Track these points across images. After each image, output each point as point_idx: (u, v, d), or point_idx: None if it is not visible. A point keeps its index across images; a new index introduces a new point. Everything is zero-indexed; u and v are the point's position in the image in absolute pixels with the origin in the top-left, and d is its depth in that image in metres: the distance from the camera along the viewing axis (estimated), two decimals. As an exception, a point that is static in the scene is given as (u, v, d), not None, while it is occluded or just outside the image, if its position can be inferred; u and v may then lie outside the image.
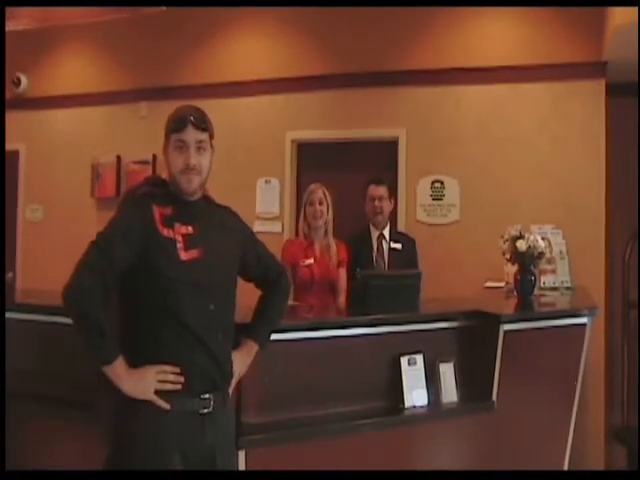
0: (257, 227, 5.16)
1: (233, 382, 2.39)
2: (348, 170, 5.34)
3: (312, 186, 4.22)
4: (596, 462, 4.67)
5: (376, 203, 4.43)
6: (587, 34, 4.89)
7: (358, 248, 4.40)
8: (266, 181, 5.57)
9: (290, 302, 3.84)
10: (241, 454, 2.65)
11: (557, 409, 3.65)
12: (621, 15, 4.05)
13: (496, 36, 5.13)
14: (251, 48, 5.69)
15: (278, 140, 5.56)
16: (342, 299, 4.16)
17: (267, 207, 5.56)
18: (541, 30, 5.03)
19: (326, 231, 4.16)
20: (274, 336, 2.60)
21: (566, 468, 3.66)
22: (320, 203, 4.11)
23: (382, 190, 4.45)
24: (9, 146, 5.55)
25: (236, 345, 2.44)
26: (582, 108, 4.95)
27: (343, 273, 4.20)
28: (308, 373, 2.96)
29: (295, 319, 3.29)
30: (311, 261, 4.09)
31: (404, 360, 3.27)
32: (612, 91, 4.93)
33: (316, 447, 2.91)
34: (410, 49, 5.27)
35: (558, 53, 4.97)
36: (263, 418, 2.79)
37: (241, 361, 2.42)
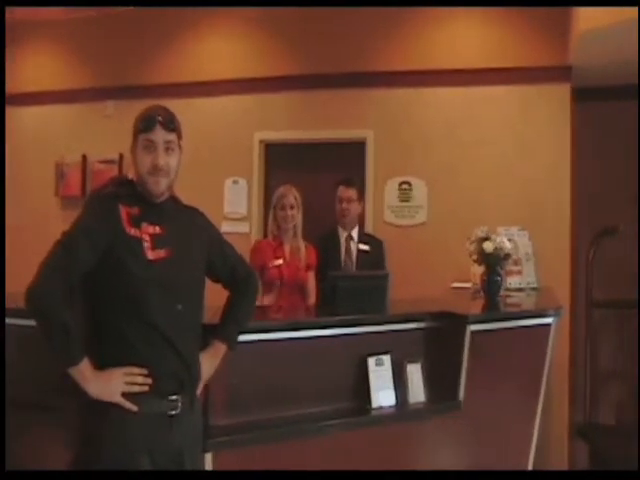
0: (225, 227, 5.13)
1: (201, 384, 2.37)
2: (316, 171, 5.35)
3: (282, 189, 4.18)
4: (560, 459, 4.74)
5: (344, 205, 4.43)
6: (554, 38, 4.97)
7: (326, 249, 4.39)
8: (234, 181, 5.56)
9: (258, 303, 3.85)
10: (208, 457, 2.63)
11: (523, 408, 3.69)
12: (586, 20, 4.11)
13: (465, 39, 5.18)
14: (219, 48, 5.67)
15: (246, 140, 5.54)
16: (311, 301, 4.16)
17: (235, 207, 5.54)
18: (509, 34, 5.09)
19: (295, 233, 4.16)
20: (242, 337, 2.59)
21: (530, 466, 3.70)
22: (291, 207, 4.09)
23: (351, 192, 4.45)
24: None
25: (204, 346, 2.42)
26: (548, 111, 5.03)
27: (312, 276, 4.20)
28: (276, 374, 2.95)
29: (263, 320, 3.27)
30: (280, 262, 4.07)
31: (371, 361, 3.28)
32: (578, 95, 5.01)
33: (284, 448, 2.90)
34: (379, 51, 5.29)
35: (525, 56, 5.04)
36: (231, 420, 2.77)
37: (209, 362, 2.40)
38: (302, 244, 4.17)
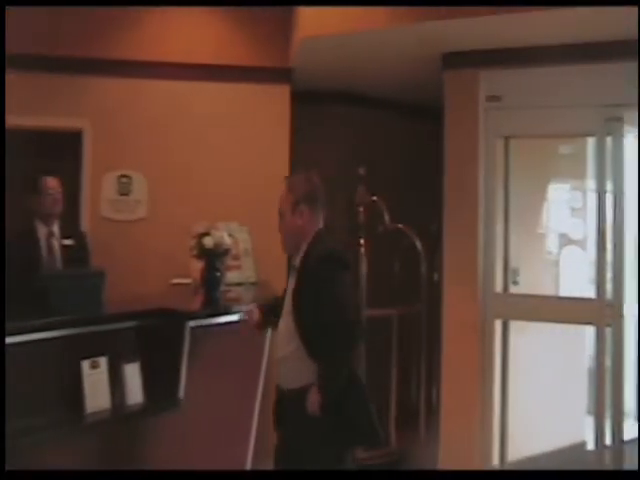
0: None
1: None
2: (27, 160, 4.90)
3: None
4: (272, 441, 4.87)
5: (55, 196, 4.13)
6: (276, 41, 5.11)
7: (19, 247, 4.01)
8: None
9: None
10: None
11: (241, 404, 3.76)
12: (307, 27, 4.30)
13: (188, 34, 5.11)
14: None
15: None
16: None
17: None
18: (233, 33, 5.14)
19: None
20: None
21: (250, 461, 3.78)
22: None
23: (58, 182, 4.18)
24: None
25: None
26: (269, 110, 5.17)
27: None
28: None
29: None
30: None
31: (85, 364, 3.12)
32: (299, 98, 5.23)
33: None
34: (99, 38, 5.00)
35: (248, 56, 5.13)
36: None
37: None
38: None
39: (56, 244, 4.14)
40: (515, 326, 4.59)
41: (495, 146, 4.53)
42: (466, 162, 4.54)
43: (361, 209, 5.15)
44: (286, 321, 2.89)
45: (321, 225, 2.98)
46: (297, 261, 2.93)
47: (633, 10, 3.42)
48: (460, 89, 4.57)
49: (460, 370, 4.51)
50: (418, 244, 5.16)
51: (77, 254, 4.16)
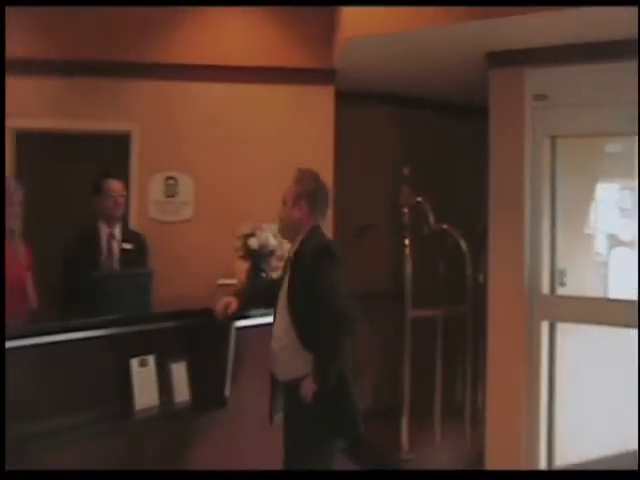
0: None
1: None
2: (75, 164, 5.02)
3: (8, 184, 3.81)
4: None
5: (119, 200, 4.18)
6: (320, 42, 5.14)
7: (82, 248, 4.11)
8: (-20, 172, 5.04)
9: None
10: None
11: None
12: (349, 28, 4.31)
13: (234, 36, 5.17)
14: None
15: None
16: (32, 305, 3.87)
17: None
18: (277, 35, 5.18)
19: (14, 231, 3.79)
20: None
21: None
22: (19, 204, 3.75)
23: (122, 186, 4.24)
24: None
25: None
26: (312, 112, 5.20)
27: (30, 277, 3.90)
28: (30, 384, 2.74)
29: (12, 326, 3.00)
30: None
31: (134, 362, 3.18)
32: (343, 98, 5.25)
33: (45, 461, 2.70)
34: (147, 42, 5.10)
35: (292, 58, 5.17)
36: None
37: None
38: (21, 243, 3.86)
39: (116, 246, 4.20)
40: (562, 328, 4.52)
41: (541, 145, 4.47)
42: (512, 162, 4.49)
43: (406, 210, 5.14)
44: (282, 314, 2.99)
45: (318, 223, 3.10)
46: (292, 253, 3.06)
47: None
48: (505, 88, 4.53)
49: (506, 372, 4.46)
50: (463, 245, 5.12)
51: (136, 258, 4.20)
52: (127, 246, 4.23)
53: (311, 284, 2.84)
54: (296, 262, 2.98)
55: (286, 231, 3.19)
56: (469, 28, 4.04)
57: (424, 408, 5.02)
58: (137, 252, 4.25)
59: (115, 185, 4.22)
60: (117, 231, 4.24)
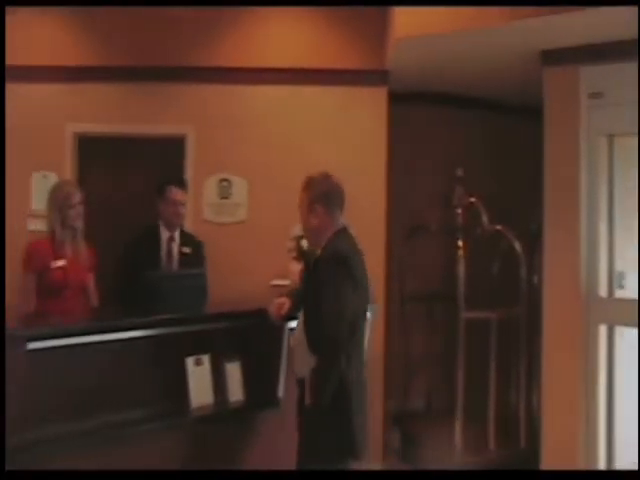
0: (32, 225, 4.82)
1: None
2: (133, 166, 5.15)
3: (66, 186, 4.04)
4: (376, 444, 4.88)
5: (179, 209, 4.27)
6: (372, 43, 5.12)
7: (141, 250, 4.21)
8: (44, 175, 5.20)
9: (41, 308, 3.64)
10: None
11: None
12: (401, 28, 4.30)
13: (286, 38, 5.21)
14: (32, 32, 5.27)
15: (57, 132, 5.20)
16: (94, 304, 4.00)
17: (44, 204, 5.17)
18: (330, 36, 5.18)
19: (77, 231, 3.94)
20: (42, 344, 2.44)
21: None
22: (80, 204, 3.90)
23: (184, 194, 4.31)
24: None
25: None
26: (365, 113, 5.19)
27: (92, 277, 4.03)
28: (91, 380, 2.82)
29: (68, 324, 3.10)
30: (62, 263, 3.82)
31: (190, 361, 3.24)
32: (394, 98, 5.23)
33: (100, 456, 2.78)
34: (200, 46, 5.18)
35: (344, 59, 5.17)
36: (34, 434, 2.60)
37: None
38: (83, 243, 3.98)
39: (175, 249, 4.29)
40: (621, 331, 4.42)
41: (597, 144, 4.38)
42: (567, 161, 4.41)
43: (459, 210, 5.10)
44: (302, 313, 3.04)
45: (340, 225, 3.06)
46: (314, 258, 3.05)
47: None
48: (560, 86, 4.45)
49: (562, 376, 4.38)
50: (517, 245, 5.05)
51: (194, 262, 4.28)
52: (186, 250, 4.32)
53: (317, 292, 2.86)
54: (314, 268, 2.99)
55: (309, 239, 3.19)
56: (522, 26, 3.98)
57: (478, 410, 4.98)
58: (195, 256, 4.33)
59: (177, 194, 4.27)
60: (177, 234, 4.33)
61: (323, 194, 3.07)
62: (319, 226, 3.03)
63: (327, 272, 2.85)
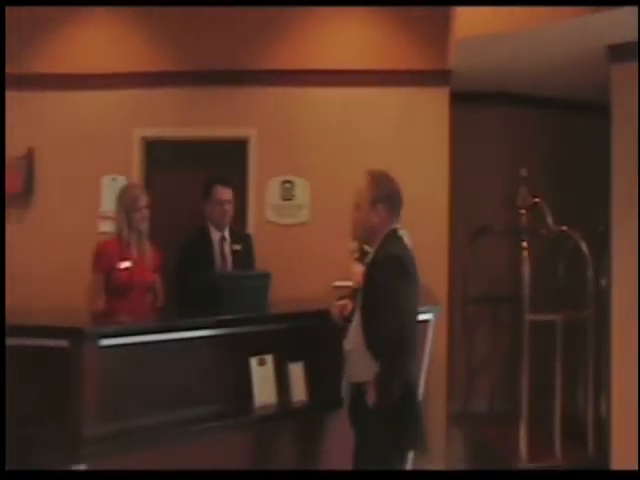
0: (102, 227, 4.97)
1: None
2: (198, 169, 5.25)
3: (133, 189, 4.14)
4: (438, 446, 4.85)
5: (225, 207, 4.30)
6: (434, 43, 5.09)
7: (195, 252, 4.28)
8: (113, 179, 5.35)
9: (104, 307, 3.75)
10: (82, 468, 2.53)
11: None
12: (463, 28, 4.27)
13: (347, 40, 5.22)
14: (96, 40, 5.44)
15: (125, 136, 5.35)
16: (160, 304, 4.09)
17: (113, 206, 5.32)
18: (391, 37, 5.18)
19: (142, 233, 4.03)
20: (114, 341, 2.51)
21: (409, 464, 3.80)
22: (146, 207, 4.00)
23: (230, 192, 4.34)
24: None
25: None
26: (428, 113, 5.16)
27: (159, 278, 4.12)
28: (157, 378, 2.88)
29: (137, 323, 3.19)
30: (129, 264, 3.93)
31: (254, 361, 3.28)
32: (456, 99, 5.20)
33: (166, 453, 2.84)
34: (262, 49, 5.25)
35: (406, 60, 5.15)
36: (105, 429, 2.67)
37: None
38: (148, 245, 4.07)
39: (227, 248, 4.35)
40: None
41: (669, 142, 4.26)
42: (635, 160, 4.30)
43: (523, 211, 5.02)
44: (356, 316, 2.99)
45: (395, 226, 3.01)
46: (369, 259, 3.00)
47: None
48: (628, 83, 4.34)
49: (632, 381, 4.27)
50: (584, 247, 4.94)
51: (244, 257, 4.36)
52: (237, 247, 4.37)
53: (376, 294, 2.83)
54: (369, 268, 2.95)
55: (361, 235, 3.15)
56: (587, 22, 3.91)
57: (543, 414, 4.89)
58: (245, 252, 4.40)
59: (223, 193, 4.30)
60: (227, 234, 4.38)
61: (387, 194, 3.05)
62: (378, 225, 3.01)
63: (382, 273, 2.84)
